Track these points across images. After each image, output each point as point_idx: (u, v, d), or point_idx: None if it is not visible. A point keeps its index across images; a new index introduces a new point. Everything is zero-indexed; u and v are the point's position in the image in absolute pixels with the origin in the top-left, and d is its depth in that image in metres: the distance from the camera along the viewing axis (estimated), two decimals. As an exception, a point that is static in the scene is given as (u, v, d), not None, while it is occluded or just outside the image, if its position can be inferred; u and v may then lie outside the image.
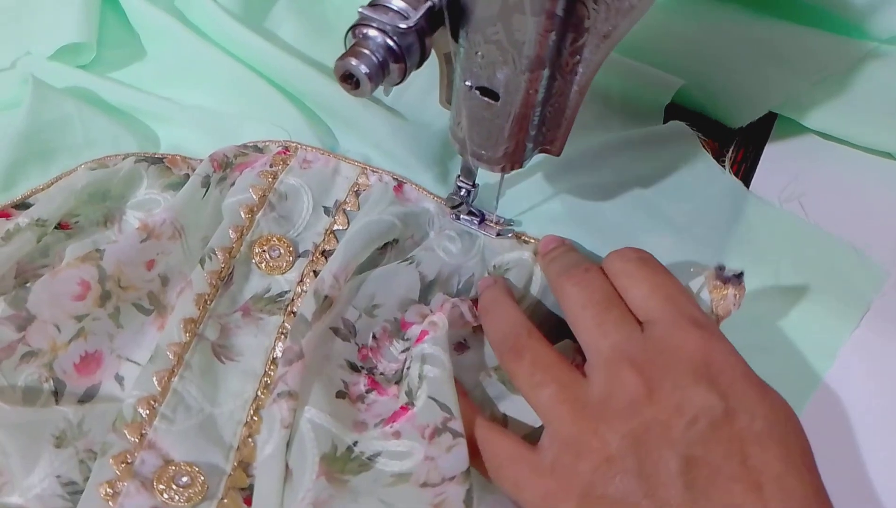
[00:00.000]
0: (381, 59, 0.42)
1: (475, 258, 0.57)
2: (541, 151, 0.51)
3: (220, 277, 0.53)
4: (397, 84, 0.44)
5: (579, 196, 0.61)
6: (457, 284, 0.56)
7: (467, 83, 0.45)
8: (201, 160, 0.59)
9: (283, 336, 0.52)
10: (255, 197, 0.57)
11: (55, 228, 0.54)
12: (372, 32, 0.42)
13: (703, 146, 0.64)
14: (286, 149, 0.60)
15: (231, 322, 0.52)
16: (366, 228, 0.54)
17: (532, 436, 0.48)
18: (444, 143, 0.63)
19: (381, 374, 0.52)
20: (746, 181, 0.63)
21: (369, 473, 0.45)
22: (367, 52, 0.41)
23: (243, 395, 0.50)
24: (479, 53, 0.43)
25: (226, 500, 0.45)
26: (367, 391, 0.50)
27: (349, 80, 0.42)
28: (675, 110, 0.65)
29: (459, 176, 0.56)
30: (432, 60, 0.46)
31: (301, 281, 0.55)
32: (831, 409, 0.53)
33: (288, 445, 0.45)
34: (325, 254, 0.56)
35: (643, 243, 0.50)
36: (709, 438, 0.40)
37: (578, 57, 0.44)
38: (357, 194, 0.59)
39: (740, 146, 0.65)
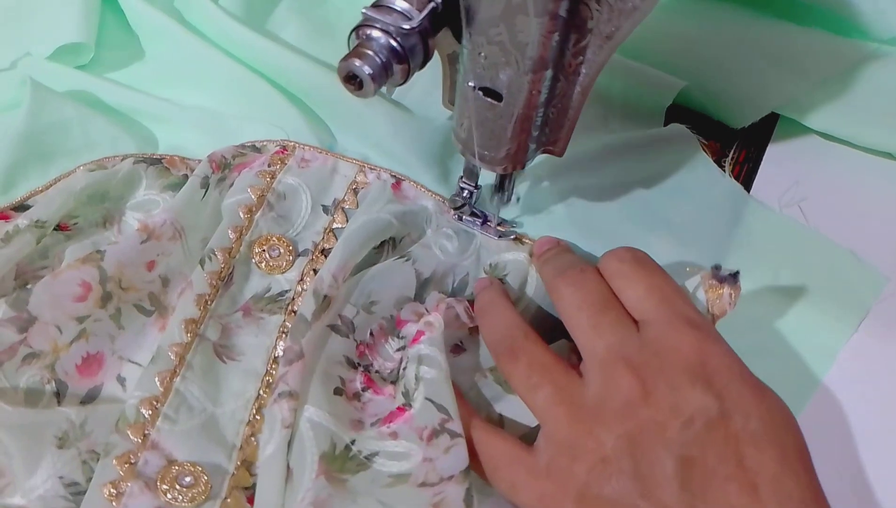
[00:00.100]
0: (384, 60, 0.42)
1: (471, 258, 0.57)
2: (544, 152, 0.51)
3: (221, 277, 0.54)
4: (400, 85, 0.45)
5: (580, 198, 0.61)
6: (451, 282, 0.56)
7: (470, 84, 0.46)
8: (200, 161, 0.59)
9: (284, 335, 0.53)
10: (253, 197, 0.57)
11: (54, 229, 0.55)
12: (375, 33, 0.42)
13: (704, 149, 0.64)
14: (284, 148, 0.61)
15: (232, 322, 0.53)
16: (363, 226, 0.55)
17: (528, 437, 0.48)
18: (444, 142, 0.63)
19: (377, 372, 0.52)
20: (748, 182, 0.64)
21: (367, 473, 0.46)
22: (370, 53, 0.42)
23: (245, 394, 0.50)
24: (483, 54, 0.43)
25: (229, 500, 0.46)
26: (364, 390, 0.51)
27: (353, 81, 0.43)
28: (676, 111, 0.66)
29: (462, 177, 0.56)
30: (435, 61, 0.47)
31: (301, 280, 0.55)
32: (830, 412, 0.53)
33: (289, 445, 0.45)
34: (325, 253, 0.56)
35: (643, 245, 0.50)
36: (704, 439, 0.41)
37: (581, 58, 0.44)
38: (355, 192, 0.60)
39: (742, 147, 0.66)
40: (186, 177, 0.59)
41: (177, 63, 0.68)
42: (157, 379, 0.48)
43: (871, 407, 0.54)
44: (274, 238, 0.56)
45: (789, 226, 0.61)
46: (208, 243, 0.55)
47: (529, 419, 0.50)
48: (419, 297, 0.55)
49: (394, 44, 0.42)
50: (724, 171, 0.63)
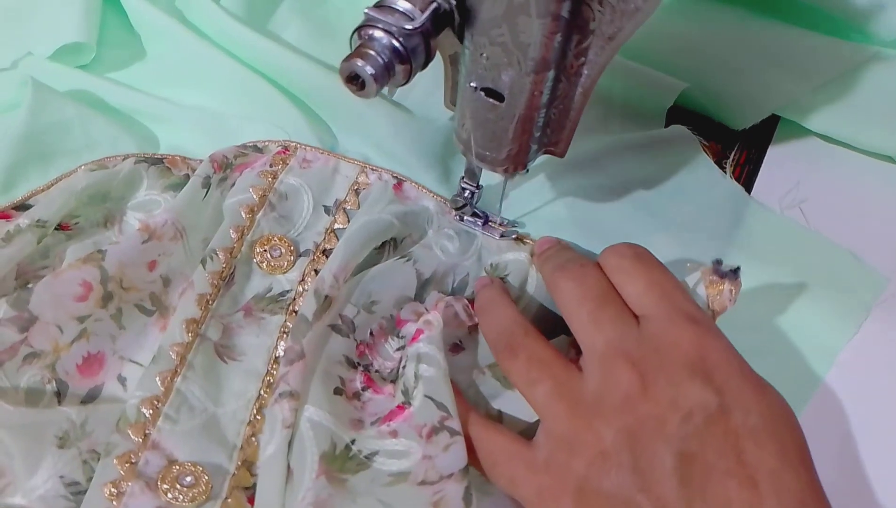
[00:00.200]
0: (386, 61, 0.42)
1: (472, 258, 0.58)
2: (545, 153, 0.52)
3: (222, 277, 0.54)
4: (402, 85, 0.45)
5: (581, 198, 0.62)
6: (452, 282, 0.57)
7: (472, 84, 0.46)
8: (201, 161, 0.59)
9: (285, 335, 0.53)
10: (255, 197, 0.57)
11: (55, 229, 0.55)
12: (377, 34, 0.42)
13: (704, 150, 0.65)
14: (286, 149, 0.61)
15: (233, 322, 0.53)
16: (364, 227, 0.55)
17: (527, 433, 0.49)
18: (445, 142, 0.63)
19: (377, 372, 0.52)
20: (749, 183, 0.64)
21: (367, 472, 0.46)
22: (372, 53, 0.42)
23: (246, 394, 0.51)
24: (484, 55, 0.44)
25: (230, 500, 0.46)
26: (363, 389, 0.51)
27: (355, 81, 0.43)
28: (677, 112, 0.66)
29: (463, 178, 0.56)
30: (437, 62, 0.47)
31: (302, 280, 0.55)
32: (830, 412, 0.54)
33: (289, 445, 0.45)
34: (326, 253, 0.57)
35: (644, 245, 0.50)
36: (704, 433, 0.41)
37: (583, 59, 0.44)
38: (357, 192, 0.60)
39: (743, 148, 0.66)
40: (188, 177, 0.59)
41: (178, 63, 0.68)
42: (158, 379, 0.49)
43: (871, 408, 0.54)
44: (275, 238, 0.56)
45: (790, 227, 0.62)
46: (209, 243, 0.55)
47: (528, 416, 0.50)
48: (419, 297, 0.55)
49: (396, 44, 0.42)
50: (725, 172, 0.64)
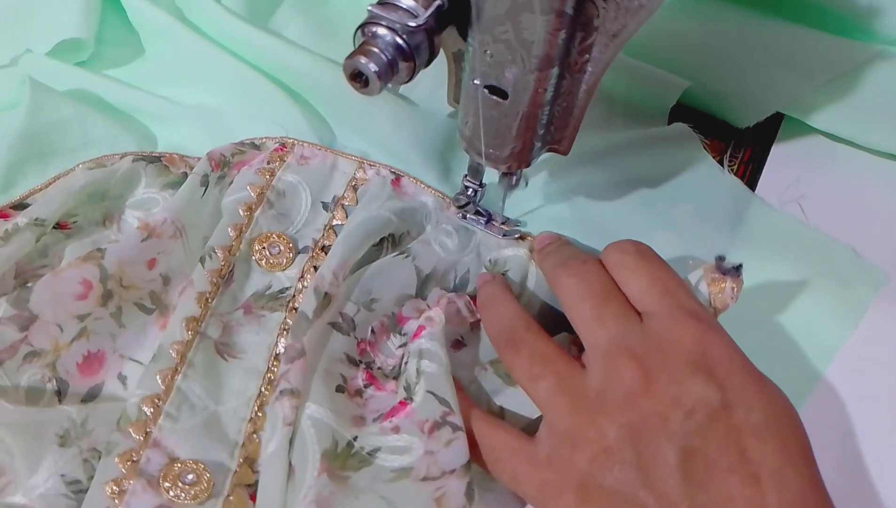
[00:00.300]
0: (390, 58, 0.43)
1: (471, 254, 0.58)
2: (549, 151, 0.52)
3: (221, 275, 0.54)
4: (406, 83, 0.45)
5: (583, 196, 0.62)
6: (453, 279, 0.57)
7: (476, 82, 0.46)
8: (199, 159, 0.60)
9: (285, 332, 0.53)
10: (253, 195, 0.58)
11: (54, 228, 0.55)
12: (381, 31, 0.43)
13: (705, 148, 0.65)
14: (283, 146, 0.62)
15: (233, 320, 0.54)
16: (363, 224, 0.55)
17: (529, 429, 0.49)
18: (445, 138, 0.64)
19: (379, 369, 0.53)
20: (753, 181, 0.65)
21: (370, 469, 0.46)
22: (376, 50, 0.42)
23: (247, 392, 0.51)
24: (488, 52, 0.44)
25: (231, 497, 0.47)
26: (365, 386, 0.51)
27: (358, 78, 0.43)
28: (681, 110, 0.67)
29: (466, 176, 0.57)
30: (440, 59, 0.47)
31: (302, 277, 0.56)
32: (830, 408, 0.54)
33: (290, 443, 0.46)
34: (325, 250, 0.57)
35: (646, 241, 0.50)
36: (706, 430, 0.41)
37: (587, 56, 0.45)
38: (355, 188, 0.60)
39: (747, 147, 0.67)
40: (186, 175, 0.60)
41: (177, 61, 0.69)
42: (158, 377, 0.49)
43: (871, 403, 0.54)
44: (274, 236, 0.57)
45: (790, 223, 0.62)
46: (208, 241, 0.56)
47: (530, 412, 0.51)
48: (420, 294, 0.55)
49: (399, 41, 0.43)
50: (724, 168, 0.64)
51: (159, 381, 0.49)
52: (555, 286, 0.51)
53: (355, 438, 0.47)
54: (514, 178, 0.54)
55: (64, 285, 0.51)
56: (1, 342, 0.49)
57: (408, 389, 0.49)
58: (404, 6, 0.43)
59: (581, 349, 0.47)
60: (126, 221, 0.58)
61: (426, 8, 0.42)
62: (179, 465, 0.47)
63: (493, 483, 0.48)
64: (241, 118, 0.65)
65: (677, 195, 0.63)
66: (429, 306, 0.54)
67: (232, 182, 0.59)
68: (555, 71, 0.45)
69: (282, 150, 0.61)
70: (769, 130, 0.68)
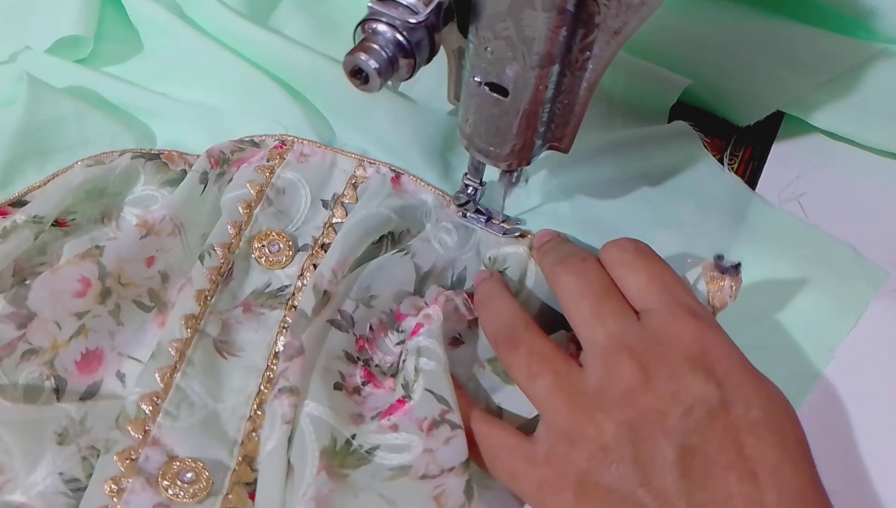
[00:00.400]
0: (390, 55, 0.43)
1: (470, 252, 0.58)
2: (549, 148, 0.52)
3: (220, 273, 0.55)
4: (406, 80, 0.45)
5: (583, 194, 0.63)
6: (451, 277, 0.57)
7: (476, 79, 0.46)
8: (198, 156, 0.60)
9: (284, 330, 0.54)
10: (252, 192, 0.58)
11: (52, 225, 0.56)
12: (381, 27, 0.43)
13: (705, 146, 0.65)
14: (282, 143, 0.62)
15: (232, 318, 0.54)
16: (362, 221, 0.56)
17: (527, 427, 0.49)
18: (445, 136, 0.64)
19: (377, 366, 0.53)
20: (754, 180, 0.65)
21: (368, 467, 0.47)
22: (376, 47, 0.43)
23: (246, 390, 0.51)
24: (489, 49, 0.44)
25: (231, 496, 0.47)
26: (364, 384, 0.52)
27: (358, 75, 0.44)
28: (681, 108, 0.67)
29: (467, 174, 0.57)
30: (441, 56, 0.47)
31: (301, 275, 0.56)
32: (829, 406, 0.55)
33: (290, 441, 0.46)
34: (325, 247, 0.57)
35: (645, 239, 0.51)
36: (705, 427, 0.41)
37: (588, 53, 0.45)
38: (355, 186, 0.61)
39: (748, 145, 0.67)
40: (184, 172, 0.60)
41: (176, 58, 0.69)
42: (157, 375, 0.49)
43: (870, 401, 0.55)
44: (273, 233, 0.57)
45: (790, 221, 0.63)
46: (207, 238, 0.56)
47: (528, 410, 0.51)
48: (419, 291, 0.56)
49: (400, 38, 0.43)
50: (724, 166, 0.65)
51: (158, 379, 0.49)
52: (553, 284, 0.51)
53: (354, 436, 0.47)
54: (514, 176, 0.55)
55: (62, 283, 0.51)
56: (-1, 340, 0.49)
57: (406, 387, 0.50)
58: (405, 3, 0.43)
59: (579, 346, 0.48)
60: (125, 218, 0.58)
61: (427, 5, 0.42)
62: (178, 463, 0.47)
63: (492, 481, 0.48)
64: (240, 116, 0.65)
65: (678, 193, 0.64)
66: (427, 304, 0.54)
67: (231, 179, 0.59)
68: (556, 68, 0.45)
69: (281, 147, 0.62)
70: (770, 129, 0.68)
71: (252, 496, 0.47)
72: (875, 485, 0.52)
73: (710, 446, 0.41)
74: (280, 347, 0.53)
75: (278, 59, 0.66)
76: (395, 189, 0.60)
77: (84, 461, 0.47)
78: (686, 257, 0.52)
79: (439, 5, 0.43)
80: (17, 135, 0.60)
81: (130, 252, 0.54)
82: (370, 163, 0.62)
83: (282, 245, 0.57)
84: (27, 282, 0.52)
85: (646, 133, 0.66)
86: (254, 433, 0.49)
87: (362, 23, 0.44)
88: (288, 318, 0.54)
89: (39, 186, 0.58)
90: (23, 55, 0.66)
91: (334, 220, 0.59)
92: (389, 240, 0.58)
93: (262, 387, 0.51)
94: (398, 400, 0.49)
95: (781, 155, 0.67)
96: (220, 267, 0.55)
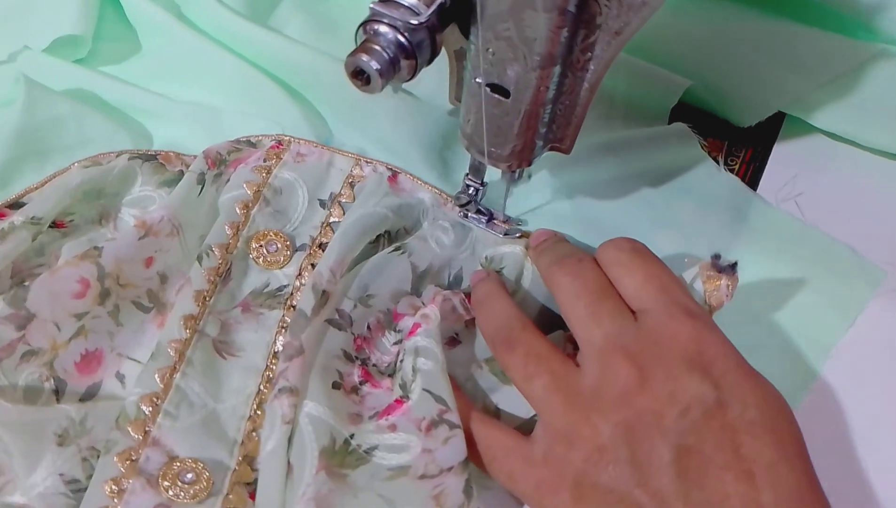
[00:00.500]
0: (391, 56, 0.43)
1: (467, 251, 0.59)
2: (550, 149, 0.53)
3: (219, 273, 0.55)
4: (407, 81, 0.46)
5: (584, 195, 0.63)
6: (448, 276, 0.58)
7: (477, 80, 0.47)
8: (195, 157, 0.60)
9: (283, 330, 0.54)
10: (249, 193, 0.58)
11: (50, 226, 0.56)
12: (383, 29, 0.43)
13: (704, 148, 0.66)
14: (279, 143, 0.62)
15: (231, 318, 0.54)
16: (359, 220, 0.56)
17: (525, 427, 0.50)
18: (443, 135, 0.65)
19: (374, 366, 0.54)
20: (755, 180, 0.66)
21: (367, 467, 0.47)
22: (378, 48, 0.43)
23: (246, 390, 0.52)
24: (490, 50, 0.45)
25: (231, 496, 0.47)
26: (361, 383, 0.52)
27: (360, 76, 0.44)
28: (682, 109, 0.67)
29: (468, 175, 0.57)
30: (442, 57, 0.48)
31: (299, 275, 0.57)
32: (827, 406, 0.55)
33: (289, 441, 0.47)
34: (322, 247, 0.58)
35: (644, 239, 0.51)
36: (701, 427, 0.42)
37: (590, 54, 0.45)
38: (352, 185, 0.61)
39: (749, 146, 0.68)
40: (182, 173, 0.60)
41: (174, 57, 0.69)
42: (157, 376, 0.50)
43: (867, 401, 0.55)
44: (271, 233, 0.58)
45: (788, 221, 0.63)
46: (205, 239, 0.56)
47: (525, 410, 0.52)
48: (416, 290, 0.56)
49: (401, 39, 0.43)
50: (720, 166, 0.65)
51: (158, 379, 0.50)
52: (550, 284, 0.52)
53: (352, 435, 0.48)
54: (517, 172, 0.55)
55: (61, 284, 0.51)
56: (-2, 341, 0.49)
57: (404, 387, 0.50)
58: (406, 4, 0.43)
59: (576, 346, 0.48)
60: (122, 219, 0.59)
61: (428, 6, 0.43)
62: (178, 464, 0.47)
63: (490, 481, 0.48)
64: (238, 116, 0.65)
65: (677, 193, 0.64)
66: (424, 304, 0.54)
67: (229, 180, 0.60)
68: (557, 69, 0.45)
69: (278, 147, 0.62)
70: (771, 130, 0.69)
71: (252, 496, 0.47)
72: (872, 484, 0.52)
73: (706, 446, 0.42)
74: (279, 347, 0.53)
75: (277, 59, 0.66)
76: (392, 188, 0.60)
77: (84, 462, 0.47)
78: (683, 257, 0.53)
79: (441, 6, 0.43)
80: (15, 136, 0.60)
81: (129, 253, 0.54)
82: (367, 162, 0.62)
83: (280, 245, 0.57)
84: (26, 283, 0.52)
85: (645, 134, 0.66)
86: (254, 433, 0.50)
87: (364, 24, 0.44)
88: (287, 318, 0.55)
89: (37, 188, 0.59)
90: (21, 55, 0.66)
91: (332, 219, 0.59)
92: (386, 239, 0.58)
93: (261, 387, 0.52)
94: (396, 400, 0.50)
95: (782, 156, 0.67)
96: (219, 268, 0.55)
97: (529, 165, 0.53)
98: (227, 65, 0.67)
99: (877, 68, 0.65)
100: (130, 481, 0.46)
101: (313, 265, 0.57)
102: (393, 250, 0.56)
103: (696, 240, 0.61)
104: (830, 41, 0.66)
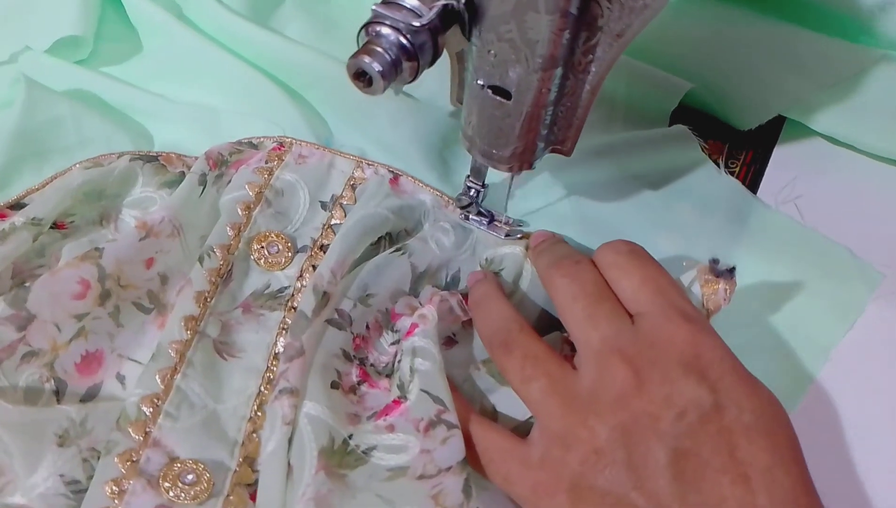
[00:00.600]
0: (393, 58, 0.43)
1: (466, 253, 0.59)
2: (552, 151, 0.53)
3: (220, 274, 0.55)
4: (409, 83, 0.46)
5: (585, 196, 0.63)
6: (445, 277, 0.58)
7: (479, 82, 0.47)
8: (196, 158, 0.61)
9: (284, 331, 0.54)
10: (251, 194, 0.59)
11: (51, 227, 0.56)
12: (385, 30, 0.43)
13: (704, 150, 0.66)
14: (281, 145, 0.62)
15: (232, 319, 0.54)
16: (360, 222, 0.56)
17: (522, 429, 0.50)
18: (444, 136, 0.65)
19: (372, 366, 0.54)
20: (755, 183, 0.66)
21: (366, 467, 0.47)
22: (380, 50, 0.43)
23: (246, 391, 0.52)
24: (492, 52, 0.45)
25: (232, 497, 0.47)
26: (359, 383, 0.52)
27: (362, 78, 0.44)
28: (683, 111, 0.67)
29: (469, 176, 0.57)
30: (444, 59, 0.48)
31: (300, 276, 0.57)
32: (824, 409, 0.55)
33: (289, 441, 0.47)
34: (324, 249, 0.58)
35: (644, 241, 0.51)
36: (697, 430, 0.42)
37: (591, 56, 0.46)
38: (353, 187, 0.61)
39: (749, 149, 0.68)
40: (183, 174, 0.60)
41: (176, 58, 0.69)
42: (157, 377, 0.50)
43: (865, 404, 0.55)
44: (272, 235, 0.58)
45: (787, 223, 0.63)
46: (206, 240, 0.56)
47: (523, 412, 0.52)
48: (414, 291, 0.56)
49: (403, 41, 0.43)
50: (720, 168, 0.65)
51: (158, 380, 0.50)
52: (548, 286, 0.52)
53: (351, 436, 0.48)
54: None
55: (62, 285, 0.52)
56: (-1, 342, 0.50)
57: (401, 387, 0.50)
58: (408, 6, 0.43)
59: (573, 348, 0.48)
60: (123, 220, 0.59)
61: (430, 7, 0.43)
62: (179, 465, 0.47)
63: (488, 481, 0.49)
64: (238, 117, 0.66)
65: (677, 195, 0.64)
66: (421, 304, 0.55)
67: (230, 181, 0.60)
68: (559, 71, 0.46)
69: (279, 149, 0.62)
70: (771, 133, 0.69)
71: (253, 497, 0.47)
72: (868, 488, 0.53)
73: (703, 449, 0.42)
74: (280, 348, 0.53)
75: (277, 59, 0.66)
76: (393, 190, 0.61)
77: (85, 462, 0.48)
78: (681, 260, 0.53)
79: (443, 8, 0.43)
80: (15, 137, 0.60)
81: (129, 254, 0.54)
82: (368, 164, 0.62)
83: (281, 246, 0.57)
84: (26, 284, 0.52)
85: (646, 136, 0.66)
86: (254, 434, 0.50)
87: (366, 26, 0.44)
88: (287, 319, 0.55)
89: (38, 189, 0.59)
90: (22, 56, 0.67)
91: (333, 221, 0.59)
92: (387, 241, 0.58)
93: (262, 388, 0.52)
94: (394, 401, 0.50)
95: (783, 159, 0.68)
96: (220, 268, 0.55)
97: (531, 167, 0.53)
98: (228, 65, 0.67)
99: (877, 73, 0.65)
100: (131, 482, 0.46)
101: (314, 267, 0.57)
102: (394, 251, 0.56)
103: (696, 242, 0.61)
104: (831, 45, 0.66)
